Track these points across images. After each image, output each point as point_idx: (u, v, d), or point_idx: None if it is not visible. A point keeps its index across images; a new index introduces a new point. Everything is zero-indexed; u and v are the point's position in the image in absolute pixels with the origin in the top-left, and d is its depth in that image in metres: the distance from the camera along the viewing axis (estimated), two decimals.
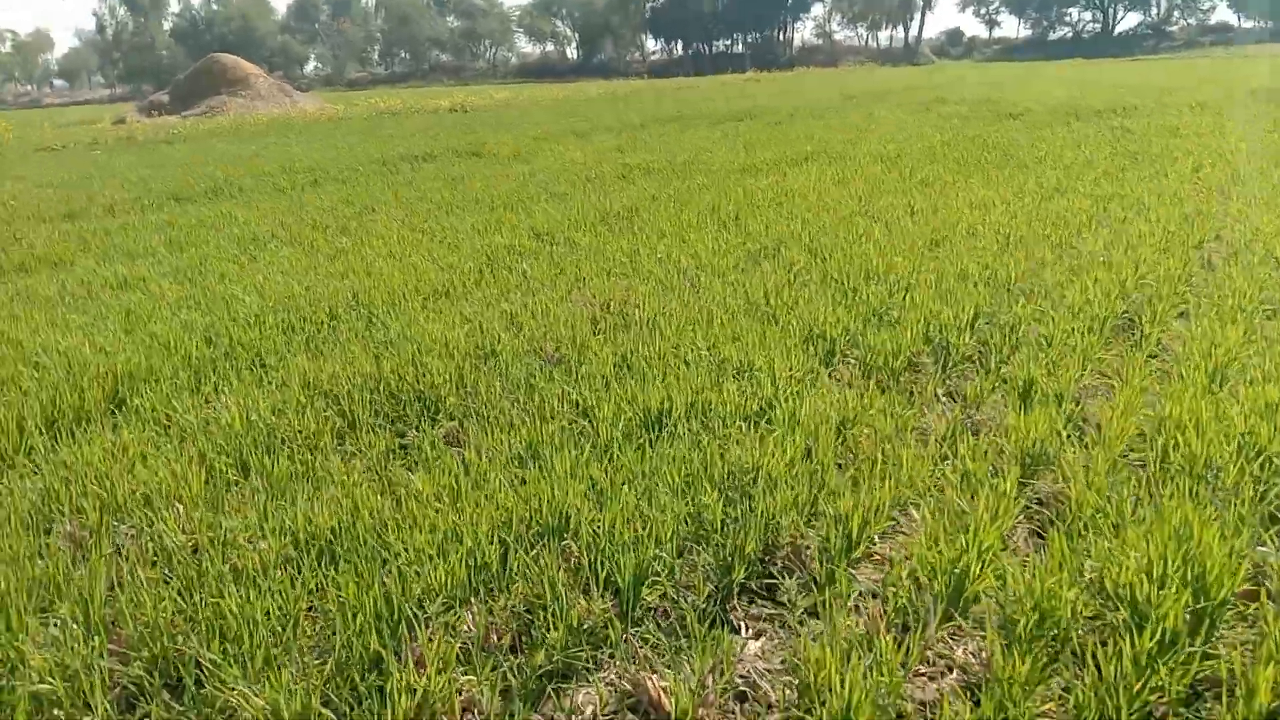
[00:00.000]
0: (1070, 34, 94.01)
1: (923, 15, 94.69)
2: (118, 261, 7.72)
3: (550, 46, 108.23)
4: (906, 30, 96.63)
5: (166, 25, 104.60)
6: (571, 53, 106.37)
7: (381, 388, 4.37)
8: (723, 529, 2.94)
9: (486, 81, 79.16)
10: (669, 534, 2.83)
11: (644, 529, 2.85)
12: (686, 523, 2.96)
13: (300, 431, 3.87)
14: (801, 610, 2.64)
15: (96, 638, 2.54)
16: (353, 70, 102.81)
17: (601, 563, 2.76)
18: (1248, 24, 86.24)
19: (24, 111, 61.26)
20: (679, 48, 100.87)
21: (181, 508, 3.25)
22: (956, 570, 2.64)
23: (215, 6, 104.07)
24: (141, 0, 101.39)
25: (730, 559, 2.78)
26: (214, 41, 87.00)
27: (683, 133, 17.69)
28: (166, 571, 2.87)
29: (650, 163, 12.42)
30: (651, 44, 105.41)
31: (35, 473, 3.73)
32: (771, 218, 8.04)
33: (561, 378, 4.40)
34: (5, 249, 8.62)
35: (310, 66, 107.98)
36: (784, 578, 2.78)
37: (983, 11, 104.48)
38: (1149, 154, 11.20)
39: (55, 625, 2.69)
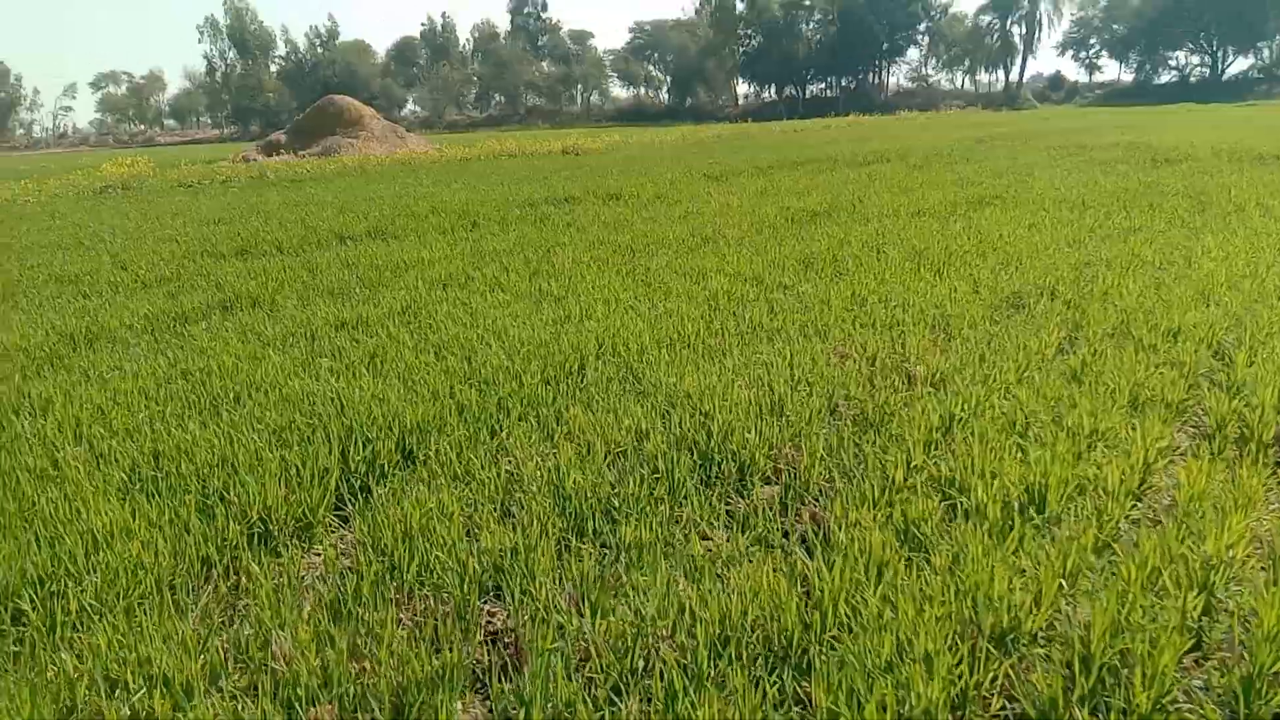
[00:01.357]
0: (1176, 78, 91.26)
1: (1024, 59, 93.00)
2: (319, 300, 7.62)
3: (643, 90, 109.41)
4: (1006, 74, 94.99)
5: (273, 68, 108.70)
6: (663, 96, 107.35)
7: (683, 445, 4.05)
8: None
9: (581, 124, 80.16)
10: (1173, 658, 2.39)
11: (1147, 644, 2.42)
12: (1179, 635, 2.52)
13: (633, 495, 3.54)
14: None
15: None
16: (450, 113, 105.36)
17: (1103, 681, 2.34)
18: None
19: (144, 150, 63.96)
20: (771, 91, 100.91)
21: (547, 584, 2.94)
22: None
23: (320, 50, 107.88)
24: (250, 43, 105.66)
25: None
26: (318, 84, 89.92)
27: (820, 175, 17.30)
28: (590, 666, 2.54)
29: (814, 207, 12.04)
30: (743, 88, 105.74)
31: (343, 534, 3.49)
32: (990, 264, 7.57)
33: (880, 441, 4.01)
34: (195, 284, 8.66)
35: (408, 108, 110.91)
36: None
37: (1083, 55, 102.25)
38: None
39: None
